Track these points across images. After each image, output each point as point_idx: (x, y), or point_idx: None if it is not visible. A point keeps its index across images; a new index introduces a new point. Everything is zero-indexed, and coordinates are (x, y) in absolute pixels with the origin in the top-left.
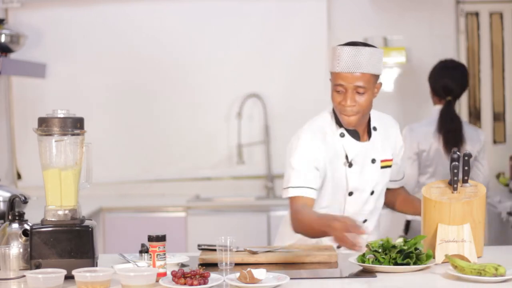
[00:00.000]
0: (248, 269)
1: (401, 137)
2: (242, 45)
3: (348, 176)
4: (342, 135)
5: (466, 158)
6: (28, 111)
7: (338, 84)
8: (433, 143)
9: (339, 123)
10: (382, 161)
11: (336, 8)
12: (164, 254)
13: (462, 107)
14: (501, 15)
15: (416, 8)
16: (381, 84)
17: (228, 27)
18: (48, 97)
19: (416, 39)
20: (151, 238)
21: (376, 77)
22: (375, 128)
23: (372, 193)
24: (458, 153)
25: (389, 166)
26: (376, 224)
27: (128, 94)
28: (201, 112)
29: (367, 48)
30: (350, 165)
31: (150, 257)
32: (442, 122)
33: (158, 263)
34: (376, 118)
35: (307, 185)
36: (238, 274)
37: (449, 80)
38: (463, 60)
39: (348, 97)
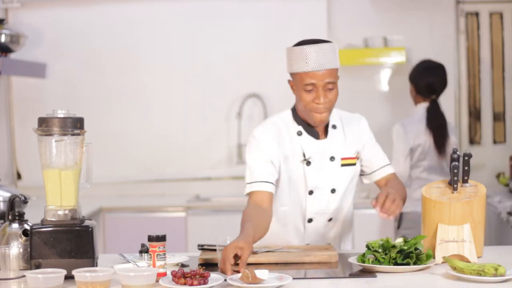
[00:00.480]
0: (251, 268)
1: (367, 130)
2: (242, 45)
3: (306, 175)
4: (299, 133)
5: (466, 158)
6: (28, 111)
7: (308, 84)
8: (427, 139)
9: (297, 121)
10: (342, 158)
11: (336, 8)
12: (164, 254)
13: (462, 107)
14: (501, 15)
15: (416, 8)
16: (338, 77)
17: (228, 27)
18: (48, 97)
19: (416, 39)
20: (151, 238)
21: (337, 71)
22: (334, 126)
23: (333, 191)
24: (458, 153)
25: (352, 164)
26: (348, 224)
27: (128, 94)
28: (201, 112)
29: (327, 44)
30: (308, 163)
31: (150, 257)
32: (431, 119)
33: (158, 263)
34: (337, 116)
35: (260, 179)
36: (240, 274)
37: (433, 79)
38: (463, 60)
39: (321, 95)
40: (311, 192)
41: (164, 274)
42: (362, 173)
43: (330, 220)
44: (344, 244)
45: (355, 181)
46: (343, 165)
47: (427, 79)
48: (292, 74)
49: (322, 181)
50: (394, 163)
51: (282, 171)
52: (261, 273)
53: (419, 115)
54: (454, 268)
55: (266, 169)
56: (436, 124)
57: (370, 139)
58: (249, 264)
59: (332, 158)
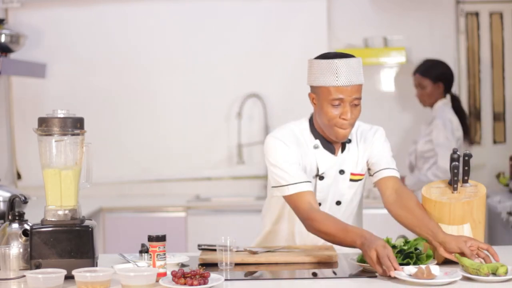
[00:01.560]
0: (427, 265)
1: (381, 140)
2: (242, 45)
3: (317, 188)
4: (316, 147)
5: (466, 158)
6: (28, 111)
7: (336, 99)
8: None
9: (314, 134)
10: (352, 174)
11: (336, 8)
12: (164, 254)
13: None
14: (501, 15)
15: (416, 8)
16: None
17: (228, 27)
18: (48, 97)
19: (416, 39)
20: (151, 238)
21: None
22: (349, 141)
23: (338, 203)
24: (458, 153)
25: (359, 180)
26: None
27: (128, 94)
28: (201, 112)
29: (355, 59)
30: (321, 178)
31: (150, 257)
32: (462, 111)
33: (158, 263)
34: (354, 129)
35: (301, 179)
36: (413, 271)
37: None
38: (463, 60)
39: (348, 111)
40: (319, 204)
41: (164, 274)
42: (370, 173)
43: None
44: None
45: (360, 191)
46: (351, 180)
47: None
48: (315, 87)
49: (329, 193)
50: (443, 159)
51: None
52: (434, 268)
53: (446, 111)
54: (462, 266)
55: (300, 169)
56: (464, 116)
57: (382, 148)
58: (249, 264)
59: (341, 172)
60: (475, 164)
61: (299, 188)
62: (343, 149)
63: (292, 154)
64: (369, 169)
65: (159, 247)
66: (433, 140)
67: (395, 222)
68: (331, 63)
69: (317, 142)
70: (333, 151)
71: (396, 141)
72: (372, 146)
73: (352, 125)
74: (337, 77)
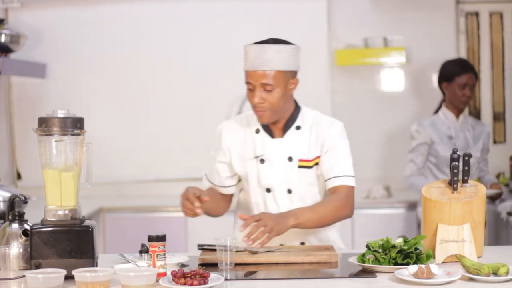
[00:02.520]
0: (427, 264)
1: (336, 135)
2: (242, 45)
3: (260, 173)
4: (257, 131)
5: (466, 158)
6: (28, 111)
7: (247, 82)
8: None
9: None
10: (300, 160)
11: (336, 8)
12: (164, 254)
13: None
14: (501, 15)
15: (416, 8)
16: (297, 80)
17: (228, 27)
18: (48, 97)
19: (416, 39)
20: (151, 238)
21: (289, 73)
22: (298, 127)
23: (289, 191)
24: (458, 153)
25: (309, 167)
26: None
27: (128, 94)
28: (201, 112)
29: (272, 46)
30: (262, 161)
31: (150, 257)
32: None
33: (158, 263)
34: (310, 118)
35: (215, 183)
36: (413, 270)
37: None
38: None
39: (256, 95)
40: (268, 190)
41: (164, 274)
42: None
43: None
44: (320, 240)
45: (319, 186)
46: (300, 166)
47: None
48: None
49: (277, 181)
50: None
51: (243, 168)
52: (434, 268)
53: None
54: (463, 266)
55: (223, 172)
56: None
57: (335, 145)
58: (249, 264)
59: (290, 159)
60: None
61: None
62: (284, 133)
63: (222, 151)
64: (322, 175)
65: (159, 247)
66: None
67: (395, 222)
68: (244, 48)
69: (259, 126)
70: (272, 135)
71: (396, 141)
72: (324, 141)
73: (269, 109)
74: (246, 61)
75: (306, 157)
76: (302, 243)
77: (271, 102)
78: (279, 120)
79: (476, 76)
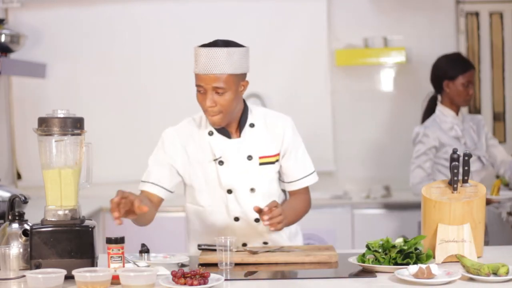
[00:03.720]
0: (427, 264)
1: (291, 132)
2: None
3: (220, 174)
4: (210, 133)
5: (466, 158)
6: (28, 111)
7: (198, 85)
8: None
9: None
10: (261, 157)
11: (336, 8)
12: (120, 257)
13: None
14: (501, 15)
15: (416, 8)
16: (247, 82)
17: (228, 27)
18: (48, 97)
19: (416, 39)
20: (108, 240)
21: (240, 75)
22: (252, 125)
23: (252, 190)
24: (458, 153)
25: (271, 163)
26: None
27: (128, 94)
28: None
29: (224, 49)
30: (221, 162)
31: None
32: None
33: (112, 265)
34: (260, 115)
35: (153, 181)
36: (414, 270)
37: None
38: None
39: (208, 98)
40: (229, 191)
41: (117, 277)
42: (281, 179)
43: (256, 220)
44: (288, 239)
45: (276, 181)
46: (261, 163)
47: None
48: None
49: (238, 181)
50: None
51: (196, 173)
52: (434, 268)
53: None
54: (463, 266)
55: (162, 173)
56: None
57: (293, 144)
58: (249, 264)
59: (249, 157)
60: None
61: (146, 187)
62: (240, 132)
63: (166, 154)
64: (281, 176)
65: (112, 250)
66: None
67: (395, 222)
68: (195, 50)
69: (211, 128)
70: (228, 135)
71: (396, 141)
72: (283, 140)
73: (219, 112)
74: (196, 64)
75: (266, 154)
76: (265, 243)
77: (222, 105)
78: (232, 121)
79: (475, 71)
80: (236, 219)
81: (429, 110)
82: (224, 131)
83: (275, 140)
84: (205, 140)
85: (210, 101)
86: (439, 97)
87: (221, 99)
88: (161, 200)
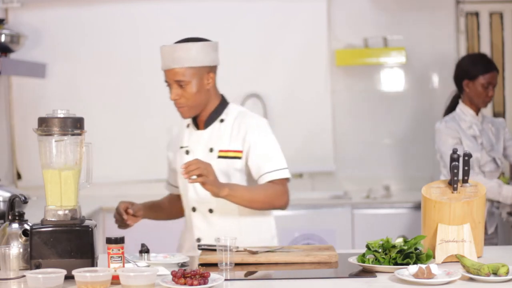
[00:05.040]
0: (427, 264)
1: (258, 131)
2: (242, 45)
3: (184, 162)
4: (188, 126)
5: (466, 158)
6: (28, 111)
7: (165, 81)
8: None
9: None
10: (220, 151)
11: (336, 8)
12: (120, 257)
13: None
14: (501, 15)
15: (416, 8)
16: (214, 75)
17: (228, 27)
18: (48, 97)
19: (416, 39)
20: (108, 240)
21: (202, 68)
22: (222, 120)
23: None
24: (458, 153)
25: (231, 157)
26: (237, 220)
27: (128, 94)
28: None
29: (183, 44)
30: (187, 152)
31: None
32: None
33: (112, 265)
34: (235, 112)
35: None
36: (414, 270)
37: None
38: None
39: (172, 92)
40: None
41: (117, 277)
42: (252, 178)
43: (211, 211)
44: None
45: (242, 178)
46: (220, 157)
47: None
48: None
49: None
50: None
51: (176, 158)
52: (434, 268)
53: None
54: (463, 266)
55: (170, 174)
56: None
57: (258, 142)
58: (249, 264)
59: (211, 150)
60: None
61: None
62: (206, 126)
63: (168, 156)
64: (250, 169)
65: (113, 250)
66: None
67: (395, 222)
68: (160, 49)
69: (189, 120)
70: (198, 127)
71: (396, 141)
72: (246, 135)
73: (186, 105)
74: (161, 62)
75: (227, 148)
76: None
77: (186, 97)
78: (203, 114)
79: (498, 73)
80: (193, 209)
81: (451, 108)
82: (196, 123)
83: (239, 137)
84: (183, 131)
85: (174, 94)
86: (461, 96)
87: (184, 92)
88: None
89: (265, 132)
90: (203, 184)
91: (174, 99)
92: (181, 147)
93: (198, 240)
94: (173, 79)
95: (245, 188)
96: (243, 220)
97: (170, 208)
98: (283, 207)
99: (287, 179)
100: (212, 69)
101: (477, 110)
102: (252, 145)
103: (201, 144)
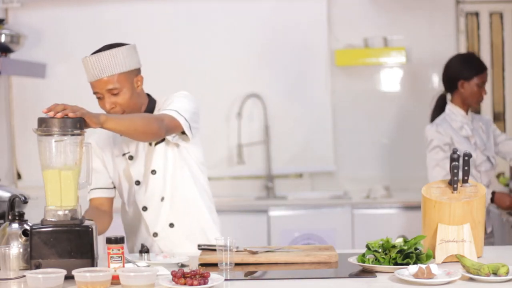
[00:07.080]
0: (427, 264)
1: (172, 95)
2: (242, 45)
3: (130, 169)
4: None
5: (466, 158)
6: (28, 111)
7: (95, 93)
8: None
9: None
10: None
11: (336, 8)
12: (119, 257)
13: None
14: (501, 15)
15: (416, 8)
16: (141, 76)
17: (228, 27)
18: (48, 97)
19: (416, 39)
20: (109, 240)
21: (131, 72)
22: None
23: (153, 172)
24: (458, 153)
25: (164, 141)
26: (194, 206)
27: None
28: (201, 112)
29: (107, 52)
30: (131, 157)
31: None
32: None
33: (112, 265)
34: (161, 102)
35: (97, 186)
36: (414, 270)
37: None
38: None
39: (106, 102)
40: (137, 183)
41: (117, 277)
42: None
43: (162, 199)
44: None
45: (182, 163)
46: (156, 143)
47: None
48: None
49: (142, 167)
50: None
51: (114, 169)
52: (434, 268)
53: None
54: (463, 266)
55: (99, 176)
56: None
57: (171, 97)
58: (249, 264)
59: (150, 143)
60: None
61: (92, 194)
62: None
63: (96, 158)
64: None
65: (112, 250)
66: None
67: (395, 222)
68: (83, 62)
69: None
70: None
71: (396, 141)
72: (165, 100)
73: (124, 111)
74: (87, 73)
75: (171, 139)
76: (171, 225)
77: (121, 104)
78: None
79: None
80: (144, 208)
81: (438, 109)
82: None
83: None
84: (119, 137)
85: (109, 104)
86: (448, 96)
87: (118, 98)
88: (111, 199)
89: (182, 95)
90: (83, 115)
91: (110, 109)
92: (123, 154)
93: (155, 234)
94: (104, 89)
95: (122, 115)
96: (195, 204)
97: (105, 218)
98: (157, 131)
99: (174, 119)
100: (139, 71)
101: (466, 110)
102: (165, 101)
103: (145, 146)
